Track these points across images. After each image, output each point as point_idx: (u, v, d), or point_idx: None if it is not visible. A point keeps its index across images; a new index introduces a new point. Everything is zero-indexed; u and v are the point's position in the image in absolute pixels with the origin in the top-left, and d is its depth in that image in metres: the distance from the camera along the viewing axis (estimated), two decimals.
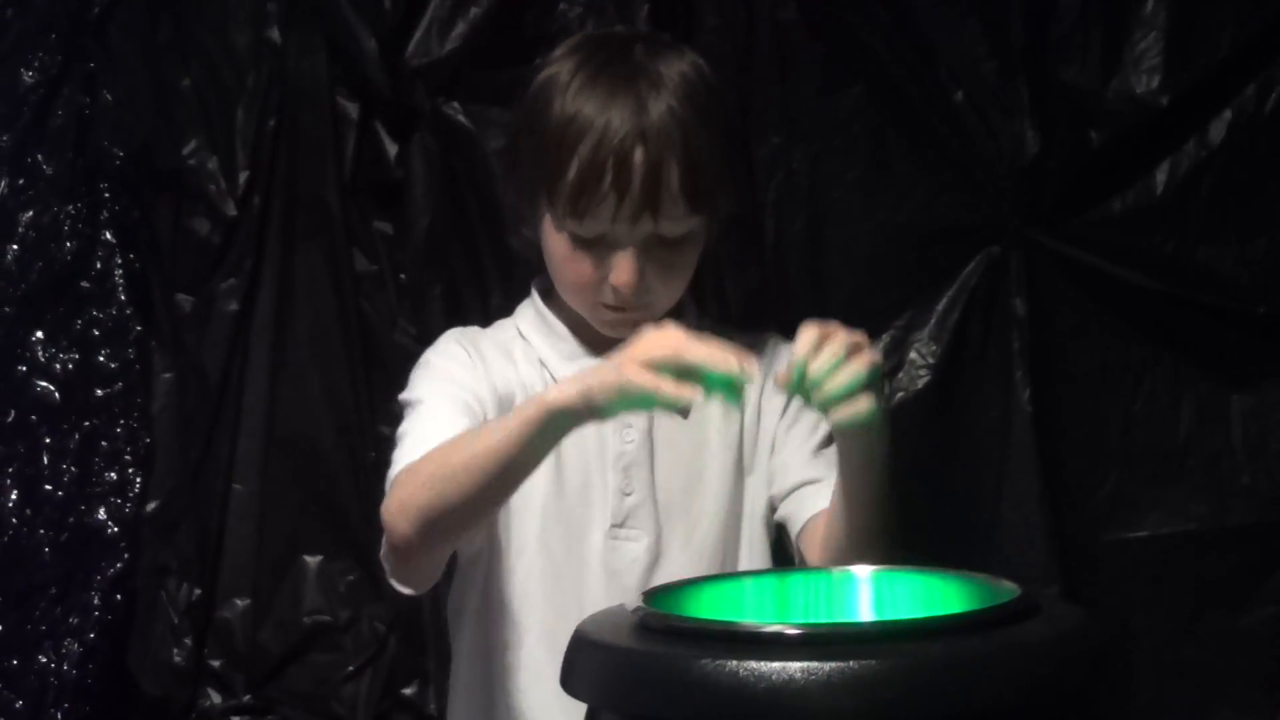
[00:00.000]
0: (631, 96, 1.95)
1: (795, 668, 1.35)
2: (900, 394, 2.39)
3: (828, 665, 1.34)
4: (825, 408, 1.74)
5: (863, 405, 1.73)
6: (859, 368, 1.73)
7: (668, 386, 1.67)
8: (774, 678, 1.35)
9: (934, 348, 2.40)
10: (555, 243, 2.02)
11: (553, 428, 1.77)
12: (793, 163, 2.43)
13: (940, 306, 2.40)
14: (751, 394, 2.11)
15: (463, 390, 2.02)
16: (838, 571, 1.70)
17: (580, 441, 2.05)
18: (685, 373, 1.67)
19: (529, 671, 2.05)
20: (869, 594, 1.67)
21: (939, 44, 2.38)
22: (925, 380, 2.40)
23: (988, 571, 1.62)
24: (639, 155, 1.93)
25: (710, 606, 1.62)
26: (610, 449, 2.07)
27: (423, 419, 2.00)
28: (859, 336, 1.75)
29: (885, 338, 2.40)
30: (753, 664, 1.36)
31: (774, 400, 2.11)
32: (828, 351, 1.73)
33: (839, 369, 1.72)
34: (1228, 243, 2.34)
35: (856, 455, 1.88)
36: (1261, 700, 2.37)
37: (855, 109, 2.42)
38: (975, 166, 2.38)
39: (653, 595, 1.59)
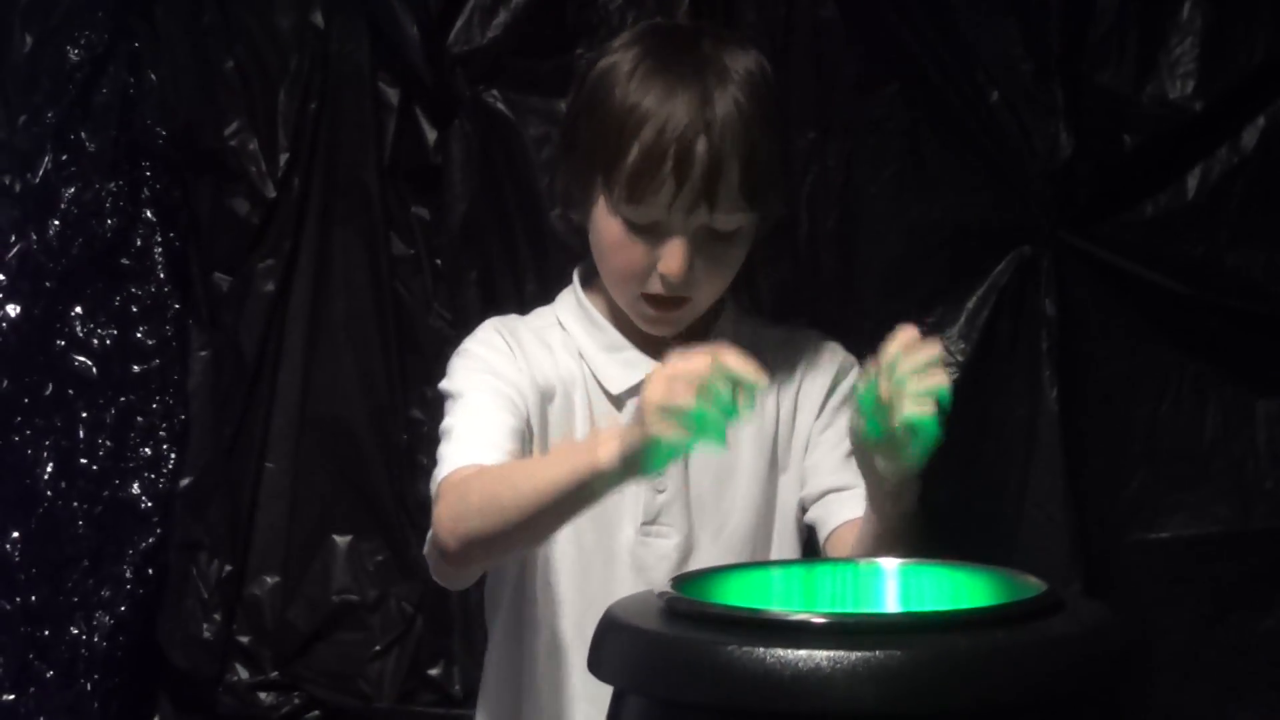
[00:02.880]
0: (699, 88, 1.95)
1: (821, 656, 1.36)
2: None
3: (853, 655, 1.36)
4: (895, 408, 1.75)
5: (928, 409, 1.74)
6: (942, 380, 1.75)
7: (689, 436, 1.66)
8: (800, 665, 1.37)
9: (963, 346, 2.40)
10: (607, 227, 2.02)
11: (598, 488, 1.77)
12: (827, 159, 2.44)
13: (970, 305, 2.41)
14: (787, 391, 2.12)
15: (504, 384, 2.03)
16: (864, 563, 1.71)
17: None
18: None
19: (559, 657, 2.06)
20: (895, 586, 1.69)
21: (976, 44, 2.38)
22: (953, 378, 2.40)
23: (1011, 568, 1.64)
24: (701, 145, 1.93)
25: (738, 595, 1.64)
26: None
27: (467, 415, 2.00)
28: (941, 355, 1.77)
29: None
30: (779, 651, 1.38)
31: (810, 399, 2.12)
32: (922, 354, 1.74)
33: (925, 374, 1.74)
34: (1257, 249, 2.34)
35: (894, 485, 1.88)
36: None
37: (891, 107, 2.42)
38: (1009, 167, 2.38)
39: (681, 582, 1.61)
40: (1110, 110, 2.36)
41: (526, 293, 2.47)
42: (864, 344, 2.37)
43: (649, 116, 1.95)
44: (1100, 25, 2.36)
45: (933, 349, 1.75)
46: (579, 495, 1.78)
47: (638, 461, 1.72)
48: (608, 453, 1.73)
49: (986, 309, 2.41)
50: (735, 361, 1.65)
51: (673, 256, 1.98)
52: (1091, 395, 2.39)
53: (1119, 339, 2.39)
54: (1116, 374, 2.39)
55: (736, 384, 1.65)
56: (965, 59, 2.38)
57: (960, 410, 2.39)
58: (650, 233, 1.99)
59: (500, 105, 2.50)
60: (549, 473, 1.80)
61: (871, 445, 1.83)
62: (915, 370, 1.73)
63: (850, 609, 1.68)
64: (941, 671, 1.37)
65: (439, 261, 2.55)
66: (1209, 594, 2.37)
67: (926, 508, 1.96)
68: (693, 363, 1.66)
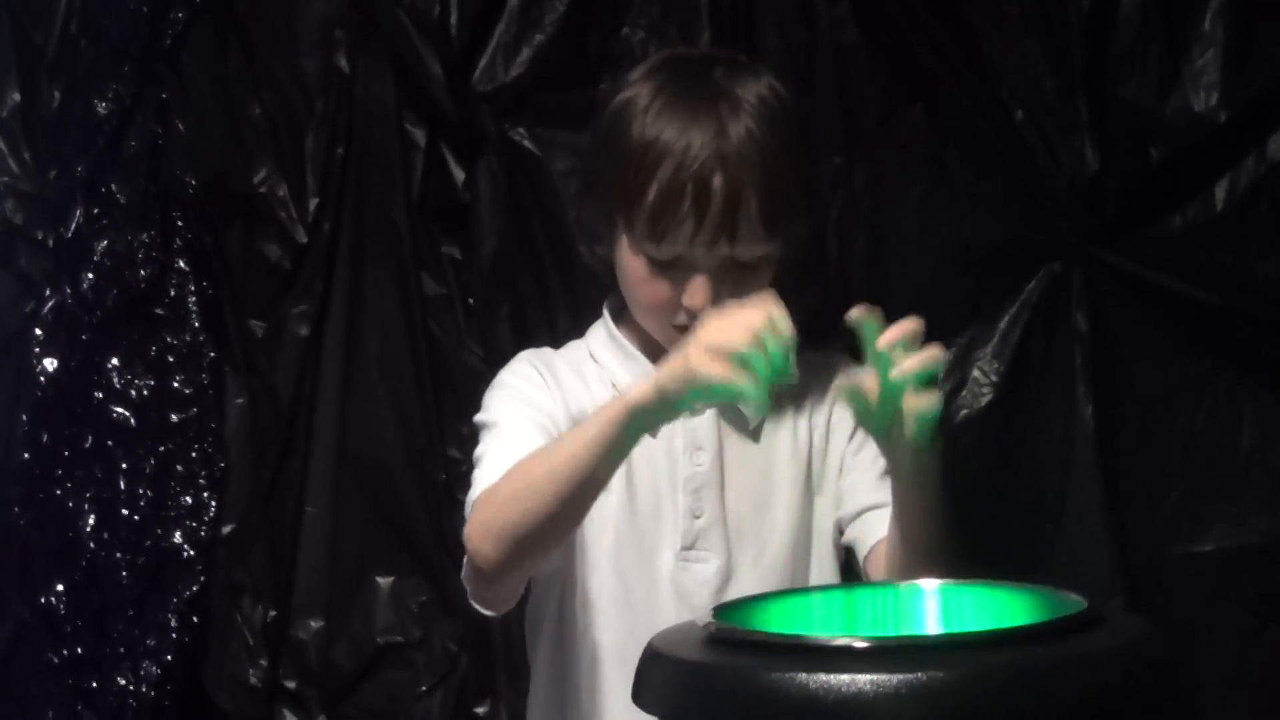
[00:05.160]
0: (712, 120, 1.96)
1: (864, 679, 1.36)
2: (964, 411, 2.40)
3: (895, 677, 1.36)
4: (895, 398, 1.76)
5: (929, 399, 1.77)
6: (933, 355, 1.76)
7: (736, 377, 1.69)
8: (843, 689, 1.36)
9: (996, 364, 2.40)
10: (631, 263, 2.03)
11: (633, 427, 1.79)
12: (854, 182, 2.44)
13: (1002, 324, 2.41)
14: (820, 414, 2.12)
15: (538, 412, 2.03)
16: (904, 585, 1.70)
17: (651, 462, 2.06)
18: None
19: (601, 688, 2.06)
20: (935, 607, 1.68)
21: (999, 63, 2.38)
22: (988, 397, 2.40)
23: (1051, 585, 1.63)
24: (718, 180, 1.94)
25: (779, 621, 1.63)
26: (681, 471, 2.07)
27: (499, 440, 2.01)
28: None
29: (948, 355, 2.41)
30: (821, 676, 1.37)
31: (843, 421, 2.11)
32: (912, 366, 1.76)
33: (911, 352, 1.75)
34: None
35: (908, 469, 1.88)
36: None
37: (916, 128, 2.43)
38: (1036, 184, 2.39)
39: (722, 610, 1.61)
40: (1135, 124, 2.36)
41: (559, 326, 2.48)
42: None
43: (664, 156, 1.95)
44: (1122, 39, 2.36)
45: (925, 358, 1.76)
46: (615, 444, 1.80)
47: (674, 398, 1.75)
48: (640, 392, 1.77)
49: (1018, 327, 2.41)
50: (784, 323, 1.71)
51: (697, 291, 1.98)
52: (1127, 409, 2.39)
53: (1152, 352, 2.38)
54: (1151, 387, 2.39)
55: (786, 344, 1.70)
56: (989, 78, 2.38)
57: (996, 429, 2.41)
58: (674, 268, 2.00)
59: (526, 141, 2.51)
60: (581, 435, 1.82)
61: (877, 436, 1.86)
62: (908, 380, 1.76)
63: (891, 631, 1.67)
64: (984, 691, 1.36)
65: (471, 298, 2.55)
66: (1251, 605, 2.36)
67: (965, 526, 1.96)
68: (750, 311, 1.72)
